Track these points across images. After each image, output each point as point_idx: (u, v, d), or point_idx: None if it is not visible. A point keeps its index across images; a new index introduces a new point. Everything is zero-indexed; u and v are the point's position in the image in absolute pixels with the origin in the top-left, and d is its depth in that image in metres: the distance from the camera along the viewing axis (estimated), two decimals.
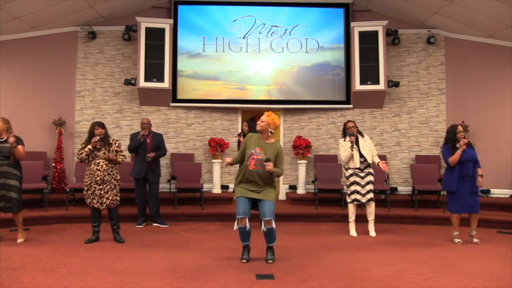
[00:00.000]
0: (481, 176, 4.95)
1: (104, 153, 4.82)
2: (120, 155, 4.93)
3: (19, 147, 4.75)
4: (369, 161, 5.40)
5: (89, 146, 4.78)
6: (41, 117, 7.80)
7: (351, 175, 5.45)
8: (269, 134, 4.02)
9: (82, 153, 4.80)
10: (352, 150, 5.36)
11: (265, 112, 4.07)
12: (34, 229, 5.54)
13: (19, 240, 4.79)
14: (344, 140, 5.51)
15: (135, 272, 3.72)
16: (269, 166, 3.84)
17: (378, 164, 5.32)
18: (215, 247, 4.75)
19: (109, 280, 3.49)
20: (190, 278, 3.58)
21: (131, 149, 6.00)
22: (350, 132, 5.46)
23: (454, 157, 4.95)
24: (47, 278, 3.52)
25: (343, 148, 5.49)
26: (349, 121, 5.61)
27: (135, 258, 4.20)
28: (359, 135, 5.49)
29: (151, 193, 6.02)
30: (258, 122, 4.03)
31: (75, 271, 3.72)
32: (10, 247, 4.57)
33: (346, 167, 5.51)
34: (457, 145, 4.94)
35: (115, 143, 4.95)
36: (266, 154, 3.94)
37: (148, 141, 6.00)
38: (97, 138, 4.79)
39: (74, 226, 5.84)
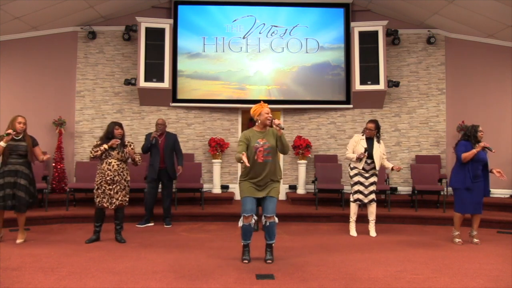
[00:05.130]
0: (498, 171, 4.91)
1: (123, 152, 4.87)
2: (136, 155, 4.99)
3: (36, 149, 4.88)
4: (377, 167, 5.32)
5: (105, 146, 4.79)
6: (41, 117, 7.79)
7: (355, 174, 5.41)
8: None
9: (97, 151, 4.81)
10: (359, 161, 5.30)
11: (264, 104, 4.08)
12: (34, 229, 5.54)
13: (19, 241, 4.77)
14: (360, 138, 5.39)
15: (135, 272, 3.72)
16: (277, 122, 3.90)
17: (392, 168, 5.27)
18: (215, 247, 4.76)
19: (109, 280, 3.49)
20: (190, 278, 3.58)
21: (144, 149, 6.06)
22: (366, 133, 5.38)
23: (468, 154, 4.88)
24: (47, 278, 3.52)
25: (352, 146, 5.40)
26: (371, 121, 5.44)
27: (135, 258, 4.21)
28: (375, 139, 5.37)
29: (164, 193, 6.05)
30: (269, 114, 4.02)
31: (75, 271, 3.72)
32: (10, 247, 4.57)
33: (352, 166, 5.47)
34: (476, 145, 4.91)
35: (130, 145, 5.00)
36: (269, 141, 4.02)
37: (160, 141, 6.03)
38: (118, 141, 4.82)
39: (74, 226, 5.84)
